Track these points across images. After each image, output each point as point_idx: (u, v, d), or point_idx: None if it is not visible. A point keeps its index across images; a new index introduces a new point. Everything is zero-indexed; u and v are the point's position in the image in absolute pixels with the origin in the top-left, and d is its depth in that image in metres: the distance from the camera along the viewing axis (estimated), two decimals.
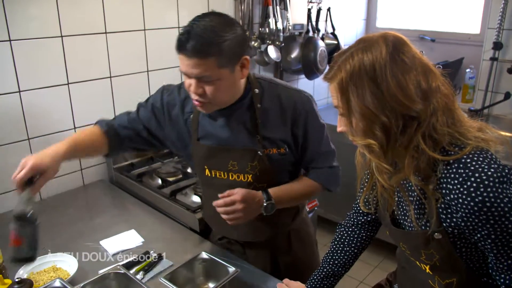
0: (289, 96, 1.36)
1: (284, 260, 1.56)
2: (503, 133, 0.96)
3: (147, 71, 2.20)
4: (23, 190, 1.17)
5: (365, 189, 1.14)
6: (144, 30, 2.13)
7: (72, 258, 1.41)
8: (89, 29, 1.92)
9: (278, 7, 2.60)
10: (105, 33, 1.97)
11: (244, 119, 1.35)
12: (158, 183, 2.01)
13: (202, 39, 1.14)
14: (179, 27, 2.28)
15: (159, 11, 2.18)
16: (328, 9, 3.06)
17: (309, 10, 2.93)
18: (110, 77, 2.05)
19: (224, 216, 1.29)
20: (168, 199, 1.83)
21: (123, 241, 1.57)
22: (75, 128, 1.96)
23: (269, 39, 2.63)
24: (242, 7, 2.52)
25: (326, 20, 3.10)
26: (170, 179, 2.01)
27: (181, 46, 1.16)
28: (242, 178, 1.38)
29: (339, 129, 1.00)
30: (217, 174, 1.41)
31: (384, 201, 1.09)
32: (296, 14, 2.88)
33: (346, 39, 3.33)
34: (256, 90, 1.33)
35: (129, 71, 2.12)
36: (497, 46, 2.63)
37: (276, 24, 2.60)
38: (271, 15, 2.59)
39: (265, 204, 1.32)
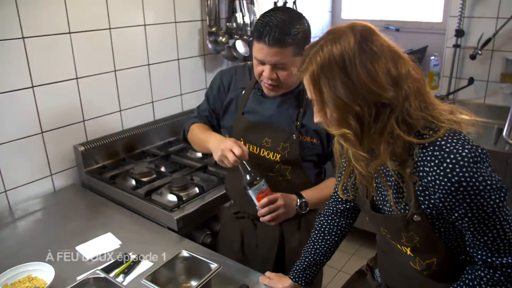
0: None
1: (290, 244, 1.59)
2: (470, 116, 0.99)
3: (115, 70, 2.15)
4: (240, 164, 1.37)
5: (342, 176, 1.15)
6: (110, 29, 2.08)
7: (47, 266, 1.36)
8: (52, 29, 1.85)
9: (244, 2, 2.59)
10: (69, 33, 1.91)
11: (290, 105, 1.48)
12: (132, 184, 1.97)
13: (282, 31, 1.28)
14: (145, 25, 2.23)
15: (124, 10, 2.12)
16: (294, 2, 3.06)
17: (275, 3, 2.92)
18: (77, 78, 1.99)
19: (266, 218, 1.40)
20: (143, 199, 1.79)
21: (100, 245, 1.54)
22: (42, 132, 1.89)
23: (236, 33, 2.61)
24: (209, 2, 2.49)
25: None
26: (144, 179, 1.97)
27: (262, 35, 1.30)
28: (271, 156, 1.50)
29: (315, 120, 1.00)
30: (251, 147, 1.52)
31: (363, 188, 1.11)
32: (263, 8, 2.87)
33: (313, 31, 3.35)
34: None
35: (95, 71, 2.07)
36: (459, 33, 2.71)
37: (243, 19, 2.59)
38: (238, 9, 2.58)
39: (299, 203, 1.45)
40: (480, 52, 2.63)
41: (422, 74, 0.97)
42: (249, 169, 1.37)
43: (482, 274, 0.97)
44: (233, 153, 1.35)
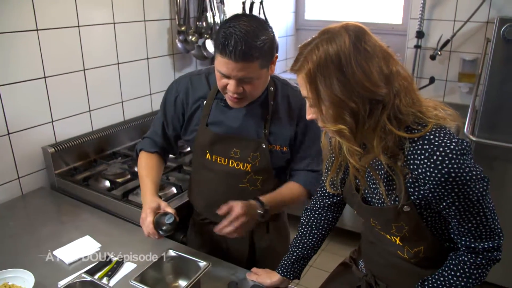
0: (297, 96, 1.44)
1: (260, 246, 1.60)
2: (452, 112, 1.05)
3: (84, 69, 2.08)
4: (159, 235, 1.33)
5: (330, 172, 1.18)
6: (78, 26, 2.01)
7: (26, 273, 1.31)
8: (18, 26, 1.77)
9: (214, 1, 2.59)
10: (36, 30, 1.84)
11: (257, 113, 1.43)
12: (106, 185, 1.92)
13: (248, 44, 1.21)
14: (114, 23, 2.18)
15: (93, 7, 2.06)
16: (261, 2, 3.10)
17: (243, 3, 2.94)
18: (45, 77, 1.91)
19: (228, 230, 1.31)
20: (120, 200, 1.76)
21: (79, 249, 1.49)
22: (8, 134, 1.81)
23: (206, 33, 2.61)
24: (178, 1, 2.47)
25: (259, 13, 3.13)
26: (119, 180, 1.93)
27: (226, 49, 1.21)
28: (242, 167, 1.45)
29: (308, 116, 1.03)
30: (218, 159, 1.47)
31: (353, 182, 1.15)
32: (231, 8, 2.88)
33: (277, 31, 3.40)
34: (271, 88, 1.44)
35: (64, 70, 1.99)
36: (420, 35, 2.83)
37: (213, 18, 2.58)
38: (208, 8, 2.57)
39: (260, 212, 1.37)
40: (439, 53, 2.77)
41: (409, 73, 1.02)
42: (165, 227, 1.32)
43: (466, 258, 1.04)
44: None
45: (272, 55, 1.31)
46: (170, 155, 1.78)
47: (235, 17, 1.28)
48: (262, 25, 1.27)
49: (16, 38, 1.77)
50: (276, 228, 1.63)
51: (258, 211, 1.36)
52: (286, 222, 1.72)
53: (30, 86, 1.86)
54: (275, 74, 1.47)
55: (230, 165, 1.45)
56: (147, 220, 1.32)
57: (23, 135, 1.87)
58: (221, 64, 1.25)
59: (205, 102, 1.46)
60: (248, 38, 1.21)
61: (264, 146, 1.42)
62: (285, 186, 1.49)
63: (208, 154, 1.47)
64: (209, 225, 1.60)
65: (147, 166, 1.53)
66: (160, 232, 1.32)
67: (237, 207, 1.30)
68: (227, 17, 2.66)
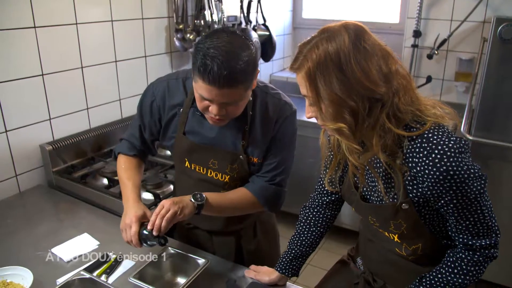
0: (275, 105, 1.36)
1: (248, 248, 1.58)
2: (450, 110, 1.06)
3: (81, 67, 2.08)
4: (141, 245, 1.26)
5: (329, 170, 1.19)
6: (76, 24, 2.01)
7: (25, 270, 1.30)
8: (16, 23, 1.76)
9: None
10: (34, 27, 1.83)
11: (234, 124, 1.35)
12: (104, 183, 1.92)
13: (231, 69, 1.11)
14: (112, 21, 2.18)
15: (91, 5, 2.06)
16: (259, 1, 3.10)
17: (241, 1, 2.94)
18: (42, 74, 1.91)
19: (162, 224, 1.21)
20: (118, 198, 1.75)
21: (77, 246, 1.49)
22: (6, 131, 1.80)
23: (204, 31, 2.60)
24: None
25: (257, 12, 3.14)
26: (116, 178, 1.92)
27: (209, 76, 1.11)
28: (220, 177, 1.40)
29: (307, 115, 1.04)
30: (197, 168, 1.42)
31: (352, 180, 1.15)
32: (229, 6, 2.88)
33: (276, 30, 3.41)
34: (250, 98, 1.33)
35: (62, 68, 1.99)
36: (417, 34, 2.85)
37: (211, 16, 2.58)
38: (206, 7, 2.57)
39: (193, 200, 1.28)
40: (436, 52, 2.78)
41: (408, 71, 1.03)
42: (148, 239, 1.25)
43: (463, 256, 1.05)
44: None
45: (255, 73, 1.22)
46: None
47: (214, 34, 1.17)
48: (244, 43, 1.16)
49: (14, 35, 1.77)
50: (264, 231, 1.62)
51: (191, 199, 1.27)
52: (274, 224, 1.70)
53: (28, 83, 1.86)
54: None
55: (208, 174, 1.41)
56: (132, 229, 1.24)
57: (21, 132, 1.87)
58: (203, 89, 1.16)
59: (181, 110, 1.39)
60: (231, 62, 1.11)
61: (242, 158, 1.37)
62: (235, 191, 1.41)
63: (187, 162, 1.43)
64: (194, 230, 1.59)
65: (127, 169, 1.47)
66: (144, 244, 1.25)
67: (161, 203, 1.24)
68: (225, 16, 2.73)
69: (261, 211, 1.51)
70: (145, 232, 1.24)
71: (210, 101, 1.19)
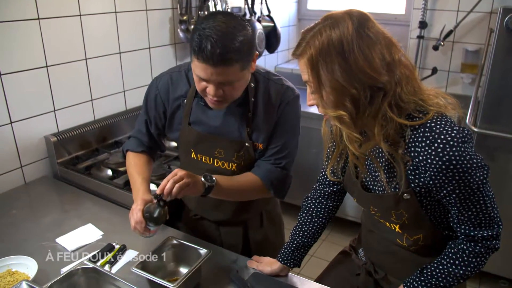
0: (277, 90, 1.38)
1: (254, 238, 1.60)
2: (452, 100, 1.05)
3: (85, 59, 2.08)
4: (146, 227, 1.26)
5: (331, 160, 1.19)
6: (80, 15, 2.01)
7: (30, 260, 1.32)
8: (21, 15, 1.77)
9: None
10: (38, 19, 1.83)
11: (237, 111, 1.37)
12: (108, 174, 1.93)
13: (226, 47, 1.12)
14: (116, 12, 2.18)
15: None
16: None
17: None
18: (46, 66, 1.91)
19: (168, 186, 1.19)
20: (122, 189, 1.77)
21: (81, 236, 1.50)
22: (11, 123, 1.82)
23: None
24: None
25: (261, 3, 3.12)
26: (121, 169, 1.94)
27: (204, 54, 1.13)
28: (227, 166, 1.41)
29: (309, 102, 1.03)
30: (203, 158, 1.43)
31: (353, 170, 1.15)
32: None
33: (281, 21, 3.39)
34: (252, 85, 1.36)
35: (66, 59, 1.99)
36: (423, 25, 2.82)
37: (215, 8, 2.57)
38: None
39: (202, 174, 1.28)
40: (442, 43, 2.75)
41: (411, 61, 1.02)
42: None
43: (465, 247, 1.04)
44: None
45: (252, 54, 1.24)
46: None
47: (211, 16, 1.19)
48: (240, 24, 1.18)
49: (18, 27, 1.77)
50: (270, 220, 1.63)
51: (202, 179, 1.27)
52: (280, 214, 1.72)
53: (32, 75, 1.87)
54: (257, 67, 1.40)
55: (215, 164, 1.42)
56: (136, 208, 1.25)
57: (26, 124, 1.88)
58: (199, 69, 1.18)
59: (185, 101, 1.41)
60: (226, 40, 1.13)
61: (247, 145, 1.38)
62: (242, 175, 1.41)
63: (193, 153, 1.44)
64: (201, 221, 1.60)
65: (136, 165, 1.48)
66: (148, 223, 1.24)
67: (179, 171, 1.22)
68: (229, 7, 2.71)
69: (268, 198, 1.51)
70: (146, 208, 1.25)
71: (207, 81, 1.21)
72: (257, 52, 1.27)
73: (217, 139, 1.39)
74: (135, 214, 1.25)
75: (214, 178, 1.29)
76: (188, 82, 1.41)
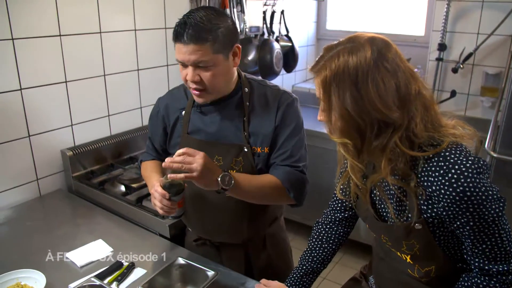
0: (274, 94, 1.41)
1: (258, 264, 1.56)
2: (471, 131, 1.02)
3: (104, 75, 2.12)
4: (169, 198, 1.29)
5: (341, 178, 1.17)
6: (100, 33, 2.05)
7: (38, 274, 1.33)
8: (42, 31, 1.82)
9: (235, 10, 2.60)
10: (59, 35, 1.88)
11: (233, 116, 1.40)
12: (121, 190, 1.94)
13: (198, 27, 1.21)
14: (135, 30, 2.22)
15: (115, 14, 2.11)
16: (282, 12, 3.11)
17: (264, 12, 2.96)
18: (66, 81, 1.95)
19: (177, 165, 1.18)
20: (134, 206, 1.77)
21: (91, 252, 1.51)
22: (29, 136, 1.85)
23: None
24: None
25: (280, 23, 3.14)
26: (134, 185, 1.95)
27: (178, 35, 1.22)
28: None
29: (319, 118, 1.02)
30: None
31: (362, 199, 1.13)
32: (252, 17, 2.90)
33: (299, 41, 3.40)
34: (246, 89, 1.41)
35: (85, 75, 2.04)
36: (442, 47, 2.79)
37: None
38: None
39: (221, 174, 1.23)
40: (461, 66, 2.72)
41: (431, 90, 1.00)
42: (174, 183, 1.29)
43: (479, 281, 1.00)
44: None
45: (230, 43, 1.27)
46: None
47: (195, 9, 1.28)
48: (220, 14, 1.27)
49: (40, 43, 1.82)
50: (273, 244, 1.59)
51: (218, 179, 1.22)
52: (285, 239, 1.67)
53: (52, 90, 1.91)
54: (251, 75, 1.47)
55: None
56: (154, 186, 1.30)
57: (43, 137, 1.92)
58: (176, 52, 1.26)
59: (183, 112, 1.47)
60: (200, 22, 1.21)
61: (246, 150, 1.38)
62: (263, 175, 1.39)
63: None
64: (202, 246, 1.58)
65: (151, 167, 1.57)
66: (170, 195, 1.27)
67: (200, 156, 1.20)
68: (247, 26, 2.74)
69: (270, 217, 1.52)
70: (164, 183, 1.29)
71: (184, 66, 1.27)
72: (239, 45, 1.32)
73: (216, 145, 1.40)
74: (156, 190, 1.29)
75: (232, 182, 1.24)
76: (186, 96, 1.49)
